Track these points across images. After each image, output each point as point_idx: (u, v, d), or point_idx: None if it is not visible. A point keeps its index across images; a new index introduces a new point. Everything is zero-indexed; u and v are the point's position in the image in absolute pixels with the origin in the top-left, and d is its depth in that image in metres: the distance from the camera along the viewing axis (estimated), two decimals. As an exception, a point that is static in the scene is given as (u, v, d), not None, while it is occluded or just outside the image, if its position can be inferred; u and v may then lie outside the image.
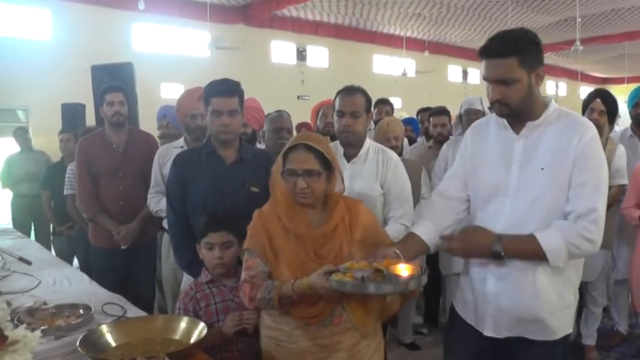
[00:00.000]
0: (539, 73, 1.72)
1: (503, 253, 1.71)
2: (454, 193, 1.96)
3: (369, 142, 2.70)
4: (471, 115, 3.62)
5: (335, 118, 2.65)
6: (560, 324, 1.81)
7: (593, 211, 1.65)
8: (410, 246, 1.90)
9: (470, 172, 1.91)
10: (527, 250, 1.71)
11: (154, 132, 4.15)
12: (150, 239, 3.58)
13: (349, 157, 2.65)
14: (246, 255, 1.98)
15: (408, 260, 1.73)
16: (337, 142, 2.69)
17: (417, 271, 1.64)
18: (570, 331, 1.86)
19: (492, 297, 1.82)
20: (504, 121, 1.81)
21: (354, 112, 2.55)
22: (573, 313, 1.88)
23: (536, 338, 1.81)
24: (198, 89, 3.32)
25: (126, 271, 3.44)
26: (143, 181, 3.46)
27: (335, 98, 2.65)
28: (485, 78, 1.74)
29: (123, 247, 3.37)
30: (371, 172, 2.63)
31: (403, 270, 1.63)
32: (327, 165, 1.90)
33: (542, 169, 1.72)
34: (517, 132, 1.79)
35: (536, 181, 1.72)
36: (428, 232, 1.93)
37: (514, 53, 1.66)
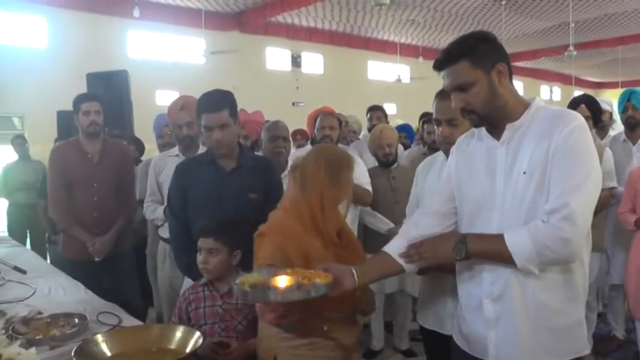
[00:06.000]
0: (500, 69, 1.60)
1: (467, 248, 1.59)
2: (435, 207, 1.82)
3: None
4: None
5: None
6: (572, 345, 1.65)
7: (564, 207, 1.46)
8: (375, 264, 1.80)
9: (455, 188, 1.78)
10: (492, 249, 1.57)
11: (150, 139, 4.13)
12: (124, 250, 3.48)
13: None
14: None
15: (364, 280, 1.72)
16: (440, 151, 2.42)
17: (291, 285, 1.58)
18: (587, 352, 1.69)
19: (493, 322, 1.65)
20: (483, 129, 1.70)
21: (451, 120, 2.17)
22: (585, 333, 1.69)
23: None
24: (180, 99, 3.32)
25: (98, 283, 3.22)
26: (117, 192, 3.39)
27: (433, 102, 2.33)
28: (445, 90, 1.69)
29: (96, 259, 3.28)
30: None
31: (282, 281, 1.60)
32: None
33: (524, 172, 1.56)
34: (499, 138, 1.65)
35: (519, 187, 1.57)
36: (401, 249, 1.76)
37: (463, 56, 1.59)
